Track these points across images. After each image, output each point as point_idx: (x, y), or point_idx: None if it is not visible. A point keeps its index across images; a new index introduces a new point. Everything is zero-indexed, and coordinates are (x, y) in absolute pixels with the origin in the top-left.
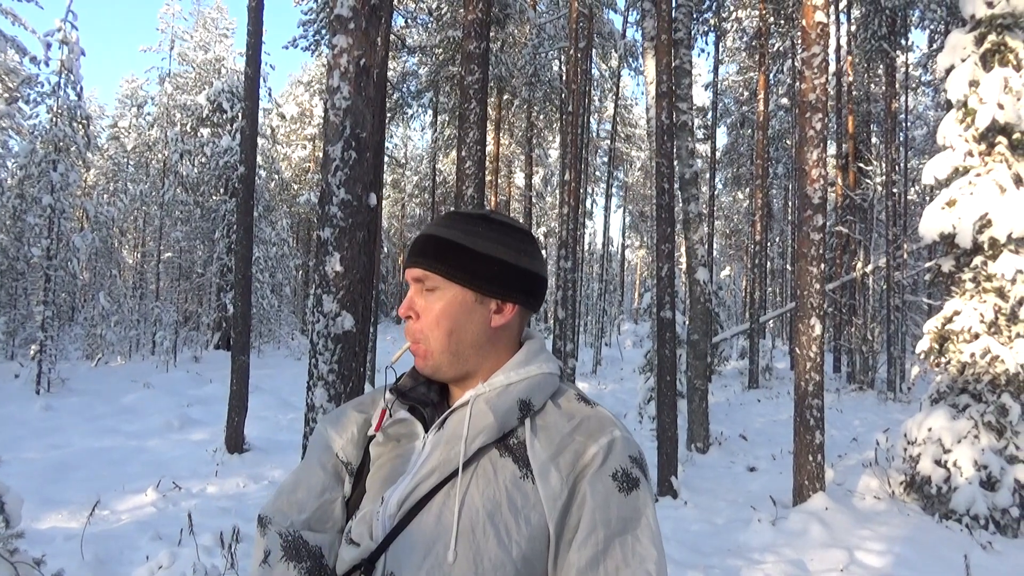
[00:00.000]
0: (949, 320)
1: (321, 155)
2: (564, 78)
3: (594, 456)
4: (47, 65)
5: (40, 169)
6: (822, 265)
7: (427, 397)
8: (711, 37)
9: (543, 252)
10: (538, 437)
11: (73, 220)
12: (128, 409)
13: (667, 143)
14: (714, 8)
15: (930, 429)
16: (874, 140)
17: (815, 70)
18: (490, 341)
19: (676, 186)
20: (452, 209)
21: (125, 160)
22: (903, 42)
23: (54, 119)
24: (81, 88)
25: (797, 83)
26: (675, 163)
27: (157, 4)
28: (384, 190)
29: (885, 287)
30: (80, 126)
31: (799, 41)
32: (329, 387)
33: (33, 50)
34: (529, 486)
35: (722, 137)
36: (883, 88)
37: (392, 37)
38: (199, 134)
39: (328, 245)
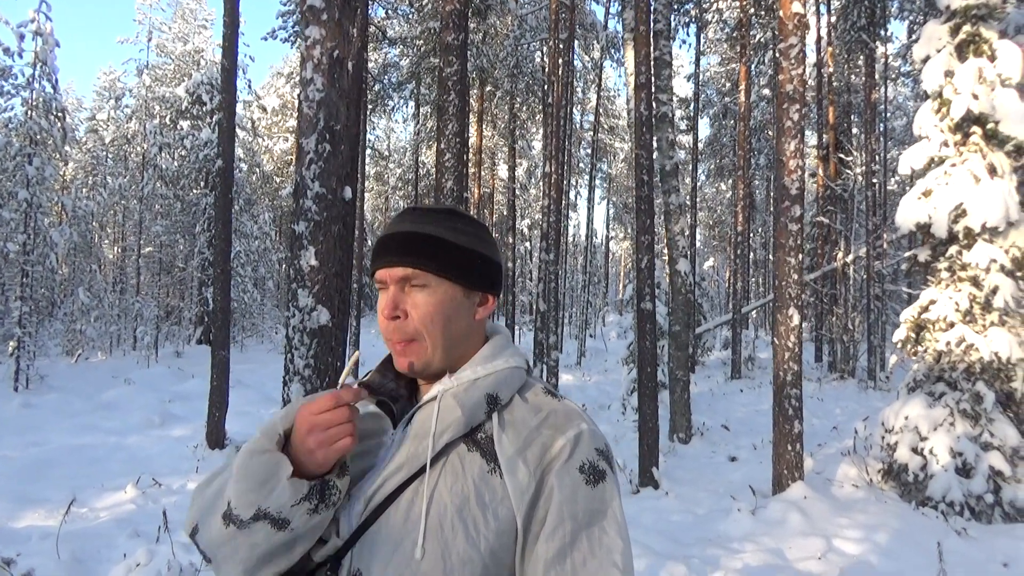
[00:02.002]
0: (925, 309)
1: None
2: (546, 70)
3: (561, 449)
4: (20, 57)
5: (15, 163)
6: (800, 255)
7: (396, 392)
8: (692, 28)
9: (527, 244)
10: (505, 431)
11: (51, 215)
12: (108, 405)
13: (646, 134)
14: None
15: (907, 417)
16: (854, 131)
17: (792, 61)
18: (471, 334)
19: (657, 178)
20: (411, 205)
21: (104, 153)
22: (882, 33)
23: (29, 112)
24: (56, 80)
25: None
26: (656, 154)
27: None
28: (368, 183)
29: (865, 277)
30: (56, 119)
31: (777, 32)
32: (305, 382)
33: (7, 41)
34: (497, 480)
35: (705, 128)
36: (863, 79)
37: (372, 28)
38: (179, 127)
39: (303, 239)
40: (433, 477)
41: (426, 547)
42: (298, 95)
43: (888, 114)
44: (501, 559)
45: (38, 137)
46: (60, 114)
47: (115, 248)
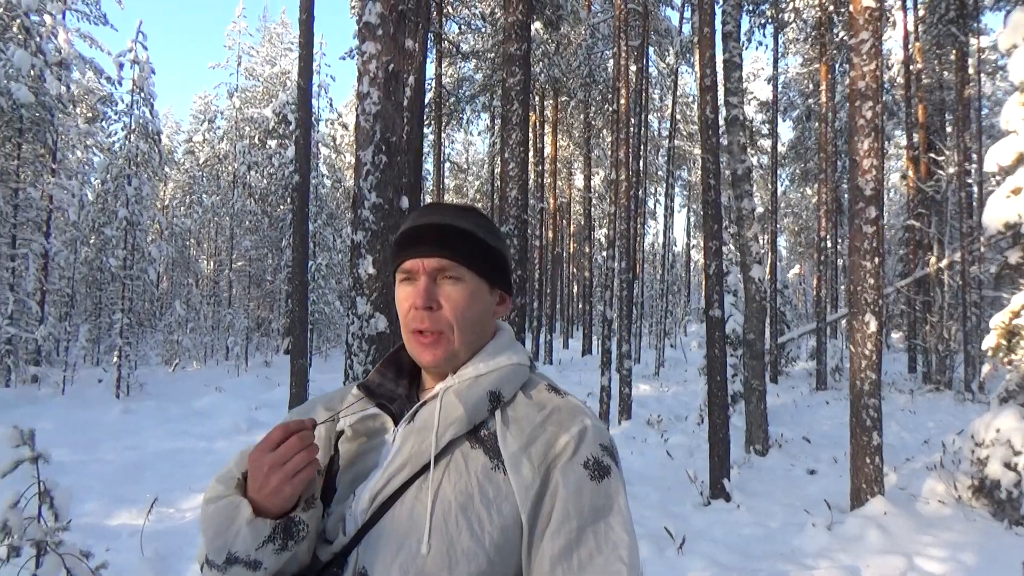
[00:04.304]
0: (1017, 315)
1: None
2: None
3: (565, 445)
4: (120, 84)
5: (117, 184)
6: (877, 259)
7: (394, 392)
8: (769, 29)
9: (604, 254)
10: (509, 428)
11: (151, 232)
12: (200, 412)
13: (712, 138)
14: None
15: (998, 430)
16: (948, 129)
17: (864, 57)
18: (487, 331)
19: (728, 182)
20: (433, 201)
21: (199, 173)
22: (975, 25)
23: (128, 135)
24: (153, 105)
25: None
26: (727, 158)
27: (225, 21)
28: (447, 195)
29: (961, 282)
30: (153, 142)
31: (848, 27)
32: None
33: (108, 71)
34: (501, 477)
35: (788, 132)
36: (955, 74)
37: (446, 44)
38: (266, 146)
39: (361, 248)
40: (437, 475)
41: (431, 543)
42: (355, 108)
43: (985, 110)
44: (507, 555)
45: (137, 159)
46: (156, 137)
47: (210, 263)
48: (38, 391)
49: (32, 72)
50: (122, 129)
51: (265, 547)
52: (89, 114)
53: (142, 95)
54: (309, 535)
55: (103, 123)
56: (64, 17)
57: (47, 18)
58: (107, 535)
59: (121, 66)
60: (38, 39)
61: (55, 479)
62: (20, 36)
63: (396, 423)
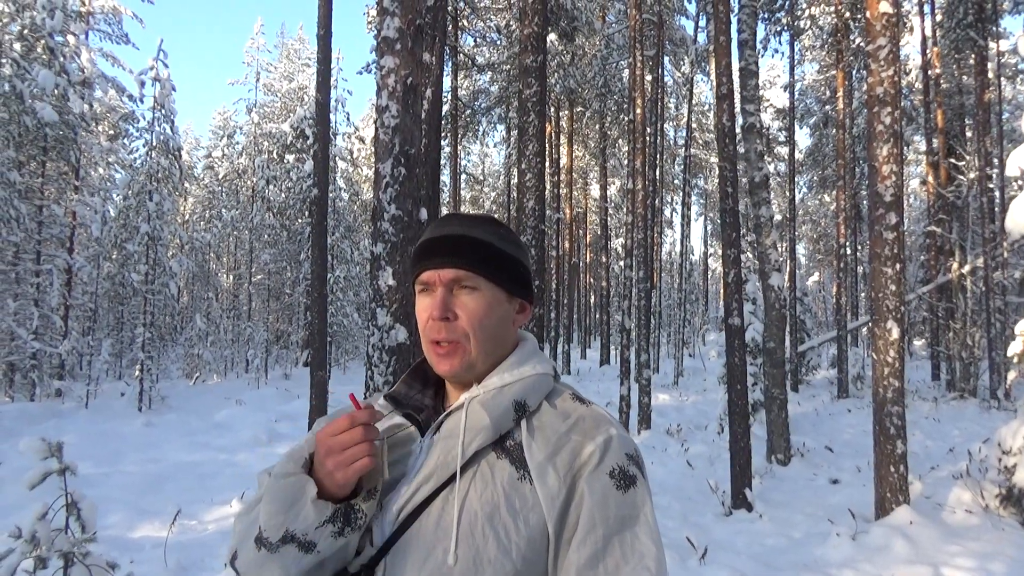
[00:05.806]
0: None
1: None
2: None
3: (591, 455)
4: (142, 102)
5: (138, 199)
6: (898, 265)
7: (421, 403)
8: (785, 37)
9: (621, 263)
10: (535, 438)
11: (171, 247)
12: (220, 425)
13: (729, 146)
14: (787, 7)
15: None
16: (969, 134)
17: (882, 63)
18: (508, 341)
19: (745, 190)
20: (450, 212)
21: (219, 188)
22: (994, 29)
23: (149, 152)
24: (174, 121)
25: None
26: (744, 166)
27: (244, 38)
28: (463, 207)
29: (984, 288)
30: (173, 158)
31: (865, 34)
32: None
33: (130, 88)
34: (527, 487)
35: (806, 139)
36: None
37: (462, 57)
38: (284, 160)
39: (380, 260)
40: (463, 485)
41: (458, 554)
42: (374, 122)
43: (1007, 114)
44: (534, 565)
45: (159, 175)
46: (176, 153)
47: (229, 276)
48: (62, 405)
49: (56, 91)
50: (143, 146)
51: (324, 527)
52: (111, 131)
53: (163, 112)
54: (364, 526)
55: (125, 140)
56: (87, 37)
57: (70, 38)
58: (130, 547)
59: (143, 84)
60: (62, 59)
61: (81, 491)
62: (44, 56)
63: (423, 434)
